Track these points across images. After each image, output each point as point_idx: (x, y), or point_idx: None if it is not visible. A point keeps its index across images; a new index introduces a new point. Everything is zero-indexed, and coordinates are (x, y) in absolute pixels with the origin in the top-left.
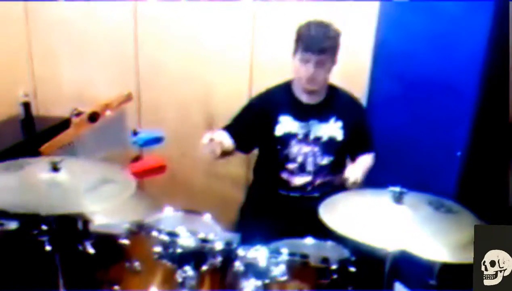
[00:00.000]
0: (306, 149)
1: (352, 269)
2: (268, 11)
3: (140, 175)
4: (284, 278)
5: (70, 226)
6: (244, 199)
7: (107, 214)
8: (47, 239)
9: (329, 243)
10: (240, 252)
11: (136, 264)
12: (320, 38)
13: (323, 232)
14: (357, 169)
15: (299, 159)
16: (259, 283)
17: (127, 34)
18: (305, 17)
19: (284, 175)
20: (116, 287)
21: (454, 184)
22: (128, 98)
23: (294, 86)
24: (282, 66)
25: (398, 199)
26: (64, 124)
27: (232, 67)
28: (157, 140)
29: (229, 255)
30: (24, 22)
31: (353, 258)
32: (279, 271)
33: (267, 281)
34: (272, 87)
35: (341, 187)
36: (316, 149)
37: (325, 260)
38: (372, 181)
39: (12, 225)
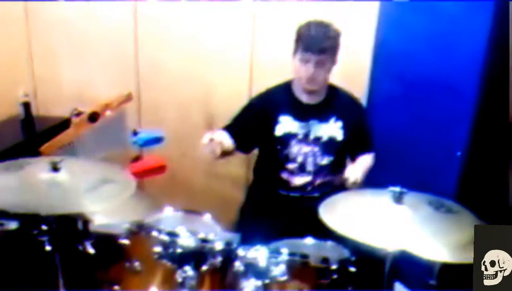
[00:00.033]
0: (306, 148)
1: (352, 269)
2: (268, 11)
3: (140, 175)
4: (284, 278)
5: (70, 226)
6: (244, 199)
7: (107, 214)
8: (47, 239)
9: (329, 243)
10: (240, 252)
11: (136, 264)
12: (320, 38)
13: (323, 232)
14: (357, 169)
15: (299, 159)
16: (259, 283)
17: (127, 34)
18: (305, 17)
19: (284, 175)
20: (116, 287)
21: (454, 184)
22: (128, 98)
23: (294, 86)
24: (282, 66)
25: (398, 199)
26: (64, 124)
27: (232, 67)
28: (157, 140)
29: (229, 255)
30: (24, 22)
31: (353, 258)
32: (279, 271)
33: (267, 281)
34: (272, 87)
35: (341, 187)
36: (316, 149)
37: (325, 260)
38: (372, 181)
39: (12, 225)
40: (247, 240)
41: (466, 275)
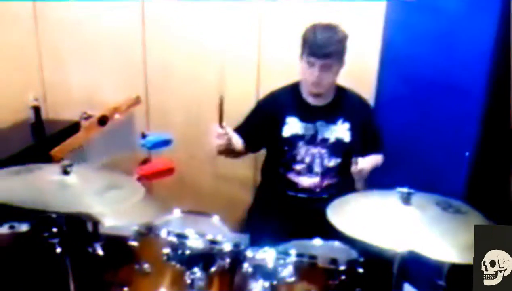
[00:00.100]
0: (313, 150)
1: (361, 270)
2: (275, 12)
3: (148, 177)
4: (292, 279)
5: (80, 228)
6: (252, 200)
7: (117, 216)
8: (57, 241)
9: (337, 244)
10: (249, 253)
11: (145, 266)
12: (325, 42)
13: (331, 233)
14: (367, 159)
15: (307, 160)
16: (267, 284)
17: (135, 37)
18: (312, 17)
19: (292, 176)
20: (125, 289)
21: (462, 185)
22: (136, 101)
23: (301, 88)
24: (290, 67)
25: (406, 199)
26: (73, 128)
27: (239, 68)
28: (166, 143)
29: (237, 257)
30: (34, 27)
31: (361, 259)
32: (287, 272)
33: (275, 282)
34: (279, 89)
35: (350, 187)
36: (324, 150)
37: (333, 261)
38: (380, 181)
39: (23, 228)
40: (256, 241)
41: None
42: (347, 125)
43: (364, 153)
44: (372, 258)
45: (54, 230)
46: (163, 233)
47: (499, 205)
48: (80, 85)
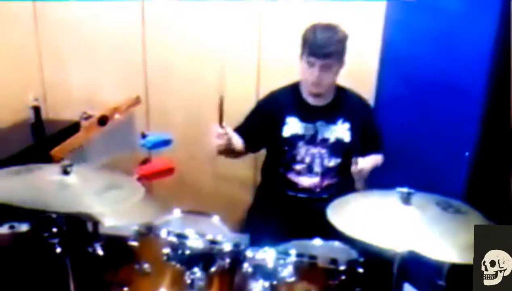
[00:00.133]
0: (313, 150)
1: (361, 270)
2: (275, 12)
3: (148, 177)
4: (292, 279)
5: (80, 228)
6: (252, 200)
7: (117, 217)
8: (57, 241)
9: (337, 244)
10: (249, 253)
11: (145, 266)
12: (325, 43)
13: (331, 233)
14: (367, 159)
15: (307, 160)
16: (267, 284)
17: (135, 37)
18: (312, 17)
19: (292, 176)
20: (125, 289)
21: (462, 184)
22: (136, 101)
23: (301, 88)
24: (289, 66)
25: (406, 199)
26: (73, 128)
27: (239, 68)
28: (166, 143)
29: (237, 257)
30: (34, 27)
31: (361, 259)
32: (287, 272)
33: (275, 282)
34: (279, 89)
35: (350, 187)
36: (324, 150)
37: (333, 261)
38: (380, 181)
39: (23, 228)
40: (255, 241)
41: None
42: (347, 125)
43: (364, 153)
44: (372, 258)
45: (54, 230)
46: (163, 233)
47: (499, 205)
48: (80, 85)
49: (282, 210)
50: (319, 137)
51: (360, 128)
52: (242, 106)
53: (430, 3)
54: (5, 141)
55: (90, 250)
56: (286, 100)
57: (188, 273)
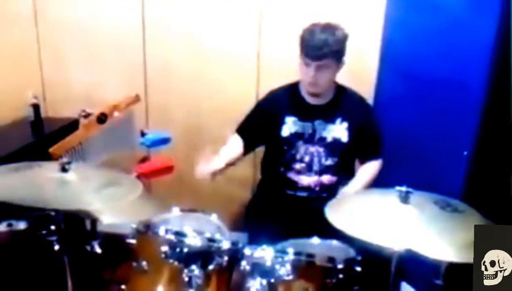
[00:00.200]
0: (312, 149)
1: (358, 269)
2: (275, 11)
3: (147, 175)
4: (290, 277)
5: (78, 226)
6: (251, 196)
7: (115, 214)
8: (55, 239)
9: (335, 243)
10: (247, 251)
11: (143, 263)
12: (321, 44)
13: (330, 232)
14: (350, 189)
15: (306, 159)
16: (265, 282)
17: (135, 36)
18: (312, 16)
19: (291, 175)
20: (123, 287)
21: (460, 184)
22: (136, 99)
23: (301, 87)
24: (289, 67)
25: (404, 198)
26: (72, 125)
27: (239, 67)
28: (165, 141)
29: (235, 255)
30: (33, 25)
31: (359, 258)
32: (285, 270)
33: (273, 280)
34: (279, 88)
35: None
36: (321, 149)
37: (331, 260)
38: (379, 180)
39: (21, 226)
40: (254, 239)
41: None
42: (345, 124)
43: (362, 158)
44: (370, 257)
45: (52, 227)
46: (161, 231)
47: (498, 204)
48: (79, 83)
49: (281, 208)
50: (317, 136)
51: (358, 128)
52: (242, 106)
53: (430, 1)
54: (4, 138)
55: (88, 248)
56: (285, 99)
57: (186, 271)
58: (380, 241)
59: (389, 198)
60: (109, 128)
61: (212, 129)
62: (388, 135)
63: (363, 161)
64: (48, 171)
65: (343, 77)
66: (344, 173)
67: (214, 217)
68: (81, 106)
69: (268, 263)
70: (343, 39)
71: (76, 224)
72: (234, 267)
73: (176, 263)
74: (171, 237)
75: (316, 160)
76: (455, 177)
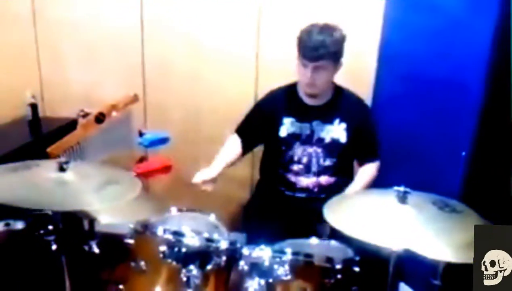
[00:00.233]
0: (309, 149)
1: (356, 269)
2: (273, 12)
3: (146, 175)
4: (289, 277)
5: (76, 226)
6: (249, 196)
7: (113, 214)
8: (53, 239)
9: (334, 243)
10: (245, 251)
11: (142, 263)
12: (317, 45)
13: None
14: (350, 192)
15: (304, 160)
16: (263, 282)
17: (133, 35)
18: (311, 16)
19: (290, 176)
20: (121, 287)
21: (458, 184)
22: (134, 99)
23: (299, 88)
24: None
25: (403, 198)
26: (71, 125)
27: (237, 67)
28: (163, 141)
29: (233, 255)
30: (32, 25)
31: (357, 258)
32: (283, 270)
33: (271, 280)
34: (278, 89)
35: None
36: (320, 150)
37: (329, 260)
38: (377, 180)
39: (19, 225)
40: (252, 239)
41: (470, 275)
42: (343, 125)
43: (361, 160)
44: (368, 257)
45: (50, 227)
46: (159, 231)
47: (496, 204)
48: (77, 83)
49: (279, 209)
50: (315, 137)
51: (357, 129)
52: (240, 106)
53: (428, 1)
54: (2, 138)
55: (86, 248)
56: (283, 100)
57: (184, 271)
58: (378, 241)
59: (387, 198)
60: (107, 128)
61: (210, 129)
62: (386, 135)
63: (361, 163)
64: (46, 171)
65: (342, 77)
66: (343, 174)
67: (212, 217)
68: (79, 106)
69: (266, 263)
70: (341, 40)
71: (74, 224)
72: (232, 267)
73: (174, 263)
74: (169, 237)
75: (314, 161)
76: (453, 177)
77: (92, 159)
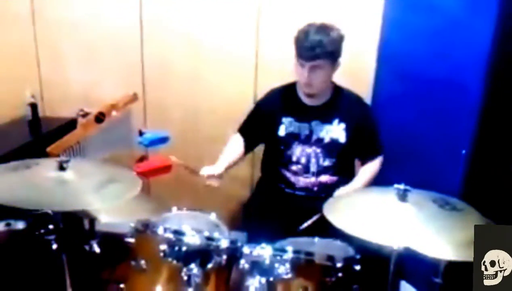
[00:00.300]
0: (308, 149)
1: (357, 268)
2: (273, 11)
3: (146, 174)
4: (289, 276)
5: (77, 225)
6: (250, 195)
7: (113, 214)
8: (53, 238)
9: (334, 241)
10: (246, 250)
11: (142, 262)
12: (314, 45)
13: (329, 231)
14: (349, 189)
15: (302, 160)
16: (264, 280)
17: (133, 35)
18: (310, 16)
19: (289, 175)
20: (122, 286)
21: (459, 182)
22: (134, 98)
23: (298, 88)
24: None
25: (403, 197)
26: (70, 125)
27: (237, 67)
28: (163, 140)
29: (234, 253)
30: (31, 25)
31: (358, 257)
32: (284, 269)
33: (272, 278)
34: (277, 88)
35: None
36: (319, 150)
37: (330, 258)
38: (377, 179)
39: (20, 225)
40: (253, 238)
41: (471, 273)
42: (343, 125)
43: (363, 158)
44: (369, 256)
45: (50, 227)
46: (160, 230)
47: (496, 202)
48: (77, 83)
49: (279, 207)
50: (314, 137)
51: (356, 128)
52: (239, 105)
53: (428, 1)
54: (2, 137)
55: (86, 247)
56: (282, 100)
57: (185, 269)
58: (379, 240)
59: (387, 196)
60: (107, 127)
61: (210, 129)
62: (387, 135)
63: (363, 162)
64: (45, 170)
65: (341, 77)
66: (344, 173)
67: (213, 216)
68: (79, 106)
69: (267, 262)
70: (338, 40)
71: (75, 223)
72: (233, 266)
73: (175, 262)
74: (170, 235)
75: (313, 161)
76: (454, 175)
77: (92, 159)
